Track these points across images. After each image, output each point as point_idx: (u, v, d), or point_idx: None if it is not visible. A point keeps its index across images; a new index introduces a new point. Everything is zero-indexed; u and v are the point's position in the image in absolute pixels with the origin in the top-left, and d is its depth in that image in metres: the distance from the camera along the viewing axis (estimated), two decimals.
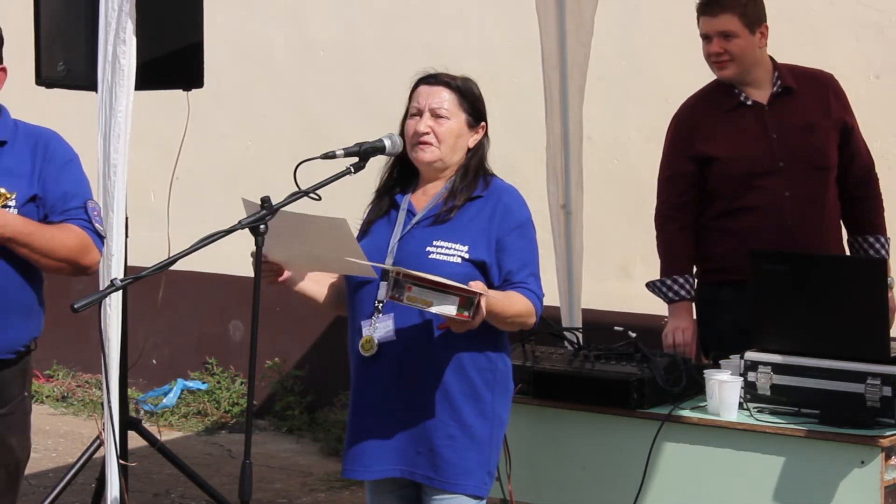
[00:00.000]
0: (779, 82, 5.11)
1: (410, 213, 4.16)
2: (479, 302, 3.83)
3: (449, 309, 3.82)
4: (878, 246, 5.25)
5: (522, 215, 4.13)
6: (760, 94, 5.11)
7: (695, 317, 5.19)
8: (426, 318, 4.03)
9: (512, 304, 3.98)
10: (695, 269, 5.29)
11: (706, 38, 5.09)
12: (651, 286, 5.23)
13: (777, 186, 5.04)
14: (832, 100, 5.17)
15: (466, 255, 4.00)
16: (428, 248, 4.06)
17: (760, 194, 5.04)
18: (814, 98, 5.14)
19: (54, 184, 4.32)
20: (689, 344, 5.08)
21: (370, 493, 4.23)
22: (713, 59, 5.07)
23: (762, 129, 5.08)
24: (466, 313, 3.82)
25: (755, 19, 5.04)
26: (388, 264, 4.06)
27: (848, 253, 5.25)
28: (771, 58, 5.14)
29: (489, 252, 4.03)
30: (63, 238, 4.24)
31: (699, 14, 5.10)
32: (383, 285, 4.07)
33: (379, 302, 4.07)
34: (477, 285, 3.87)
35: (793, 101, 5.11)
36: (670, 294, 5.16)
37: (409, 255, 4.03)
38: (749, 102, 5.10)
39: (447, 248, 4.01)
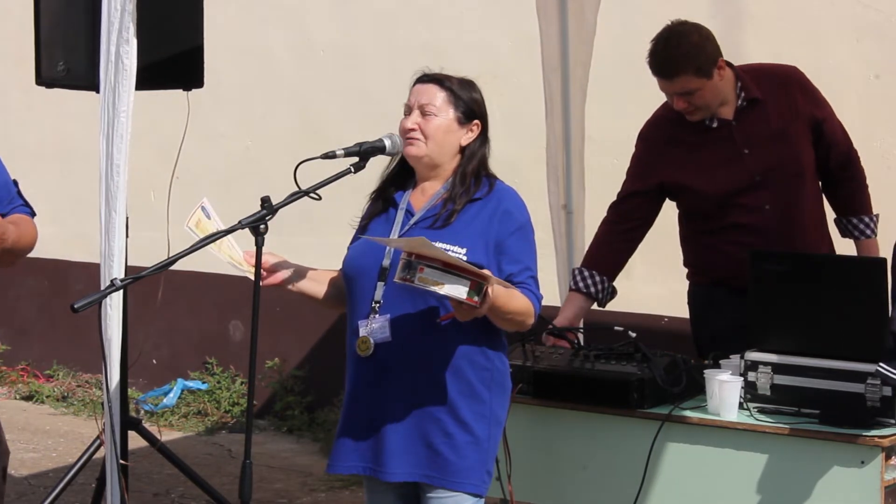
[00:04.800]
0: (742, 94, 5.03)
1: (409, 212, 4.17)
2: (486, 289, 3.83)
3: (460, 291, 3.80)
4: (861, 226, 5.24)
5: (522, 217, 4.13)
6: (726, 109, 5.02)
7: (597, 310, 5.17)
8: (423, 318, 4.03)
9: (513, 299, 3.98)
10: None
11: (667, 94, 5.03)
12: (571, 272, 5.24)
13: (756, 201, 4.99)
14: (799, 96, 5.09)
15: (465, 258, 3.99)
16: None
17: (740, 212, 4.99)
18: (781, 101, 5.05)
19: None
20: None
21: (368, 491, 4.23)
22: (681, 111, 5.00)
23: (732, 146, 5.00)
24: (476, 298, 3.81)
25: (710, 63, 4.91)
26: (385, 264, 4.07)
27: (836, 232, 5.24)
28: (730, 66, 5.04)
29: (487, 255, 4.03)
30: (28, 232, 4.20)
31: (653, 73, 4.99)
32: (380, 286, 4.07)
33: (376, 302, 4.07)
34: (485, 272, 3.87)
35: (759, 110, 5.03)
36: (571, 283, 5.15)
37: None
38: (714, 125, 5.03)
39: (446, 250, 4.00)
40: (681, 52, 4.91)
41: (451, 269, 3.80)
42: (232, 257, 4.10)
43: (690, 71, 4.90)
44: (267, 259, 4.13)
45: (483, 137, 4.19)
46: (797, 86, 5.13)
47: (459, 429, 4.05)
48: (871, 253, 5.19)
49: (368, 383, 4.10)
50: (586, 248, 5.32)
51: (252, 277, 4.06)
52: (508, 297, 3.96)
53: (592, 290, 5.10)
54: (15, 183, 4.40)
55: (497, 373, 4.13)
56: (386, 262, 4.08)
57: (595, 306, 5.16)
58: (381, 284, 4.07)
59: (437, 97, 4.13)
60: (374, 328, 4.06)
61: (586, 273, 5.11)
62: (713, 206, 5.04)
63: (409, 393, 4.05)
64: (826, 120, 5.13)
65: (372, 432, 4.09)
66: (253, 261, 4.07)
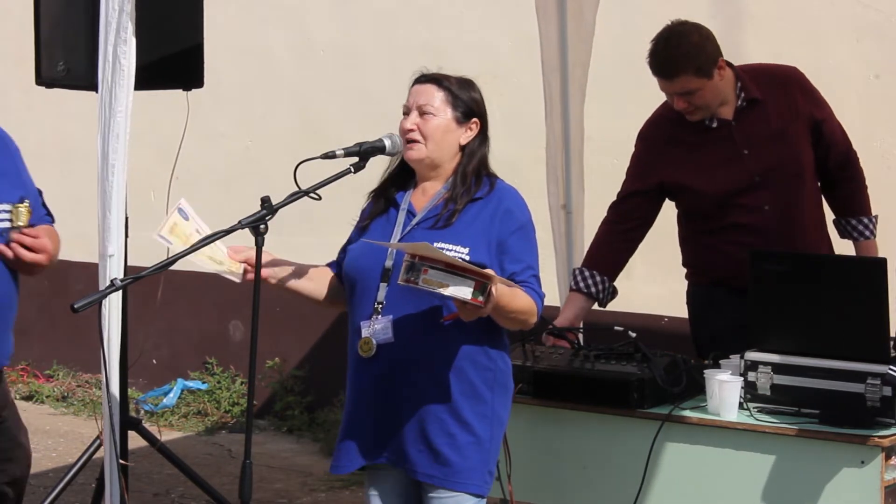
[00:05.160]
0: (742, 95, 5.03)
1: (410, 213, 4.16)
2: (490, 289, 3.83)
3: (465, 292, 3.81)
4: (860, 227, 5.24)
5: (524, 216, 4.13)
6: (725, 109, 5.02)
7: (586, 314, 5.13)
8: (425, 319, 4.03)
9: (517, 298, 3.98)
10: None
11: (667, 94, 5.02)
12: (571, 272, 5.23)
13: (755, 201, 4.99)
14: (799, 96, 5.09)
15: (467, 258, 3.99)
16: None
17: (740, 212, 5.00)
18: (780, 101, 5.05)
19: (29, 181, 4.33)
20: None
21: (369, 490, 4.23)
22: (681, 111, 5.01)
23: (732, 147, 5.01)
24: (481, 298, 3.82)
25: (710, 63, 4.91)
26: (388, 265, 4.07)
27: (835, 233, 5.24)
28: (730, 66, 5.04)
29: (489, 254, 4.03)
30: (57, 244, 4.29)
31: (653, 73, 4.99)
32: (383, 287, 4.07)
33: (378, 303, 4.07)
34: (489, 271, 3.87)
35: (759, 110, 5.03)
36: (572, 283, 5.15)
37: None
38: (714, 125, 5.03)
39: (448, 250, 4.00)
40: (681, 52, 4.91)
41: (454, 270, 3.81)
42: (212, 258, 4.10)
43: (690, 71, 4.90)
44: (250, 255, 4.11)
45: (483, 136, 4.19)
46: (797, 86, 5.12)
47: (461, 429, 4.05)
48: (870, 254, 5.19)
49: (370, 384, 4.09)
50: (586, 249, 5.33)
51: (232, 278, 4.08)
52: (512, 296, 3.96)
53: (593, 290, 5.10)
54: (39, 192, 4.45)
55: (499, 373, 4.13)
56: (388, 263, 4.07)
57: (595, 306, 5.17)
58: (383, 285, 4.07)
59: (435, 97, 4.13)
60: (376, 329, 4.06)
61: (587, 273, 5.11)
62: (713, 206, 5.04)
63: (412, 393, 4.05)
64: (825, 120, 5.13)
65: (374, 433, 4.09)
66: (238, 256, 4.10)
